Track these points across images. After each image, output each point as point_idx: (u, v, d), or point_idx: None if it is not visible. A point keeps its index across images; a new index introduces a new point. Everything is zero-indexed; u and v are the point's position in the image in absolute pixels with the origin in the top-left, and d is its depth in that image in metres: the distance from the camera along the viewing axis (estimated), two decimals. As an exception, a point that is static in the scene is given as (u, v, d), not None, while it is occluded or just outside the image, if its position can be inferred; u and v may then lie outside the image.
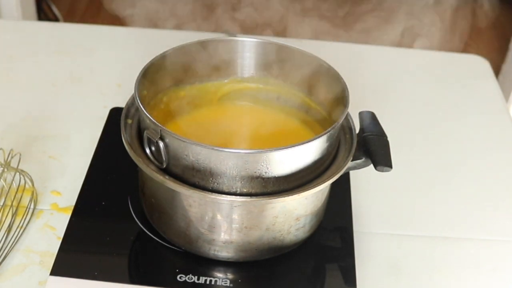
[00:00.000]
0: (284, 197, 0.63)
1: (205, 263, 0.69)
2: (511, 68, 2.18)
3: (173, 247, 0.70)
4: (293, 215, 0.66)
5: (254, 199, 0.62)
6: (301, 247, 0.72)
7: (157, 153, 0.63)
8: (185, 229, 0.68)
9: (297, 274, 0.71)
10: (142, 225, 0.73)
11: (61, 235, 0.71)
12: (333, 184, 0.72)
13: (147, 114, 0.62)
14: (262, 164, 0.61)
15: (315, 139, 0.62)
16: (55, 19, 2.23)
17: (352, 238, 0.74)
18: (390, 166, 0.67)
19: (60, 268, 0.67)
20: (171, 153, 0.62)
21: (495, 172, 0.89)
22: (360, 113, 0.73)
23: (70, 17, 2.40)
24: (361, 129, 0.71)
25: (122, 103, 0.71)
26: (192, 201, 0.65)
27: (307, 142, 0.62)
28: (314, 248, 0.73)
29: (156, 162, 0.64)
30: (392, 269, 0.74)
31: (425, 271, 0.74)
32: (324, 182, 0.65)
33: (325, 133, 0.63)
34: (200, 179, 0.62)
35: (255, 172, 0.61)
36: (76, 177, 0.80)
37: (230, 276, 0.68)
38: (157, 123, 0.61)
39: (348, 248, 0.73)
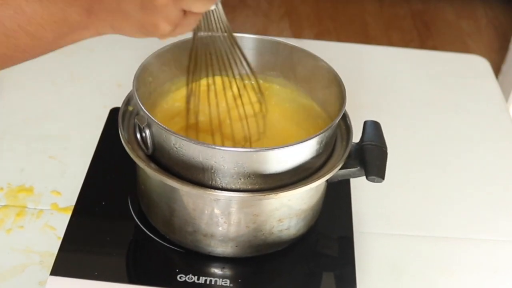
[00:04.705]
0: (259, 195, 0.63)
1: (206, 263, 0.69)
2: (511, 68, 2.18)
3: (173, 247, 0.70)
4: (274, 215, 0.66)
5: (226, 194, 0.63)
6: (300, 248, 0.72)
7: (145, 140, 0.65)
8: (169, 218, 0.68)
9: (296, 274, 0.71)
10: (142, 225, 0.73)
11: (61, 235, 0.71)
12: (333, 187, 0.72)
13: (138, 100, 0.63)
14: (239, 163, 0.61)
15: (295, 144, 0.62)
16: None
17: (352, 240, 0.74)
18: (382, 177, 0.66)
19: (61, 268, 0.67)
20: (156, 141, 0.64)
21: (495, 172, 0.89)
22: (365, 122, 0.72)
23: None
24: (362, 138, 0.71)
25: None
26: (172, 189, 0.65)
27: (291, 145, 0.62)
28: (314, 248, 0.73)
29: (143, 147, 0.65)
30: (392, 269, 0.74)
31: (426, 271, 0.74)
32: (303, 186, 0.64)
33: (307, 140, 0.62)
34: (180, 169, 0.63)
35: (234, 168, 0.61)
36: (76, 177, 0.80)
37: (230, 276, 0.68)
38: (145, 110, 0.62)
39: (349, 249, 0.72)
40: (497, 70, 2.18)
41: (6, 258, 0.70)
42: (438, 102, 1.03)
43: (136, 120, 0.65)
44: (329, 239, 0.75)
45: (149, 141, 0.64)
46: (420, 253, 0.76)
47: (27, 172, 0.81)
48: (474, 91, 1.06)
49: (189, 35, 0.66)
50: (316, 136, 0.63)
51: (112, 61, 1.04)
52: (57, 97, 0.96)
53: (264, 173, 0.62)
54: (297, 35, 2.41)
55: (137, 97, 0.64)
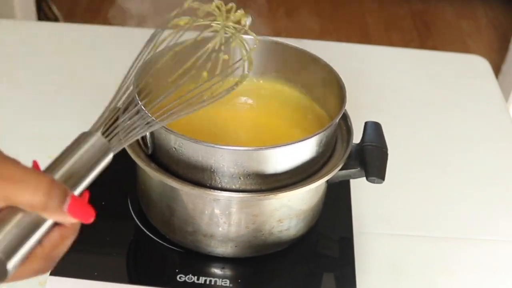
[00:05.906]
0: (259, 195, 0.63)
1: (206, 264, 0.69)
2: (511, 68, 2.18)
3: (173, 247, 0.70)
4: (274, 216, 0.66)
5: (226, 194, 0.62)
6: (300, 248, 0.72)
7: (145, 139, 0.65)
8: (169, 218, 0.68)
9: (296, 274, 0.71)
10: (142, 225, 0.73)
11: (61, 235, 0.71)
12: (333, 188, 0.71)
13: (137, 99, 0.63)
14: (238, 162, 0.61)
15: (294, 143, 0.62)
16: (55, 19, 2.24)
17: (352, 240, 0.73)
18: (382, 178, 0.66)
19: (60, 268, 0.67)
20: (156, 141, 0.64)
21: (495, 172, 0.89)
22: (366, 123, 0.72)
23: (70, 17, 2.40)
24: (362, 139, 0.71)
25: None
26: (172, 189, 0.65)
27: (290, 144, 0.61)
28: (314, 249, 0.73)
29: (143, 147, 0.65)
30: (392, 269, 0.74)
31: (426, 271, 0.74)
32: (303, 186, 0.64)
33: (306, 139, 0.62)
34: (180, 168, 0.63)
35: (234, 167, 0.61)
36: (76, 177, 0.80)
37: (230, 276, 0.68)
38: (144, 109, 0.62)
39: (349, 250, 0.72)
40: (497, 70, 2.18)
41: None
42: (438, 102, 1.03)
43: None
44: (329, 240, 0.75)
45: (149, 140, 0.64)
46: (420, 253, 0.76)
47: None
48: (474, 91, 1.06)
49: (190, 35, 0.66)
50: (316, 135, 0.63)
51: (112, 61, 1.04)
52: (57, 97, 0.96)
53: (264, 172, 0.62)
54: (297, 35, 2.41)
55: (137, 97, 0.64)
